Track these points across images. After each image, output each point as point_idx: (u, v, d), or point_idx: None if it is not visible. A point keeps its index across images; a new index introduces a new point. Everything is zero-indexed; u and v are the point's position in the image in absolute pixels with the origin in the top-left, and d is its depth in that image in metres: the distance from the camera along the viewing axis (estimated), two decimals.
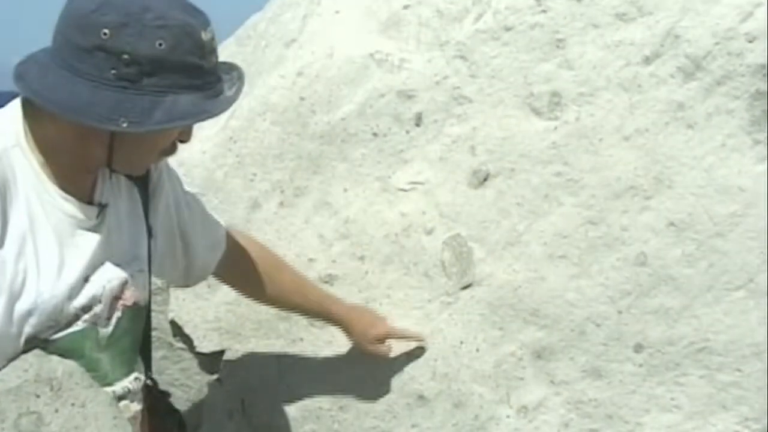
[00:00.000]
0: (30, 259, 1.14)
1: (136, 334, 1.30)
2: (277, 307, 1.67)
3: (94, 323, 1.22)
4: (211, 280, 1.68)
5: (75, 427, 1.14)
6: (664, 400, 1.67)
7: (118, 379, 1.26)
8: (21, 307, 1.14)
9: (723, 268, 1.64)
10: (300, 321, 1.78)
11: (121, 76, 1.09)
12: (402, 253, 1.76)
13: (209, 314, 1.82)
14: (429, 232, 1.75)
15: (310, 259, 1.79)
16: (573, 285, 1.69)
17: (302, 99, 1.77)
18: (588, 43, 1.67)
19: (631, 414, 1.68)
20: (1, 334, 1.14)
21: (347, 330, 1.67)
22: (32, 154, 1.16)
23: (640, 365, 1.68)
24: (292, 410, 1.80)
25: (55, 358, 1.17)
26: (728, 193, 1.63)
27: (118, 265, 1.24)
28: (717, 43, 1.62)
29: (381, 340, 1.67)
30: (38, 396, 1.13)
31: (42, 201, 1.16)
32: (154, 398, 1.39)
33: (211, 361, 1.85)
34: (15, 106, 1.18)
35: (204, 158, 1.81)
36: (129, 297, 1.27)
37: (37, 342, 1.17)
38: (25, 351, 1.16)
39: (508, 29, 1.69)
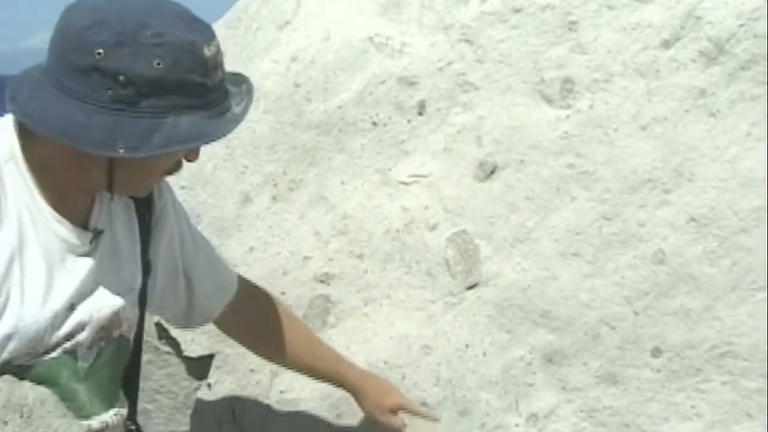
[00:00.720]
0: (15, 280, 1.11)
1: (116, 368, 1.27)
2: (285, 366, 1.62)
3: (73, 351, 1.19)
4: None
5: None
6: (684, 408, 1.65)
7: (97, 413, 1.22)
8: (0, 330, 1.10)
9: (747, 267, 1.61)
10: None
11: (117, 98, 1.06)
12: (403, 251, 1.75)
13: None
14: (432, 228, 1.74)
15: (306, 257, 1.77)
16: (586, 285, 1.67)
17: (297, 86, 1.76)
18: (602, 25, 1.66)
19: (649, 423, 1.66)
20: None
21: (360, 396, 1.61)
22: (27, 171, 1.13)
23: (659, 370, 1.66)
24: (285, 419, 1.78)
25: (26, 384, 1.14)
26: (753, 186, 1.60)
27: (109, 295, 1.22)
28: (742, 25, 1.60)
29: (394, 411, 1.61)
30: (6, 423, 1.11)
31: (34, 220, 1.13)
32: None
33: (199, 366, 1.83)
34: (10, 119, 1.16)
35: None
36: (116, 329, 1.24)
37: (10, 368, 1.13)
38: None
39: (516, 11, 1.69)
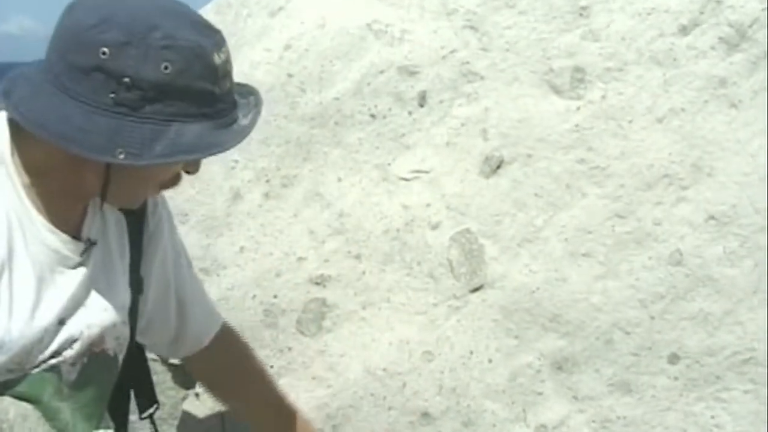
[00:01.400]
0: (3, 293, 1.09)
1: (103, 386, 1.25)
2: (244, 420, 1.61)
3: (57, 368, 1.17)
4: None
5: None
6: (704, 419, 1.65)
7: None
8: None
9: None
10: (288, 328, 1.75)
11: (120, 102, 1.05)
12: (404, 251, 1.73)
13: None
14: (434, 227, 1.72)
15: (300, 258, 1.75)
16: (598, 287, 1.67)
17: (290, 76, 1.75)
18: (616, 10, 1.66)
19: None
20: None
21: None
22: (17, 176, 1.12)
23: (676, 378, 1.66)
24: None
25: (7, 398, 1.13)
26: None
27: (100, 311, 1.21)
28: (765, 9, 1.61)
29: None
30: None
31: (24, 229, 1.12)
32: None
33: (186, 374, 1.77)
34: (2, 119, 1.15)
35: None
36: (100, 345, 1.22)
37: None
38: None
39: None
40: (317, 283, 1.74)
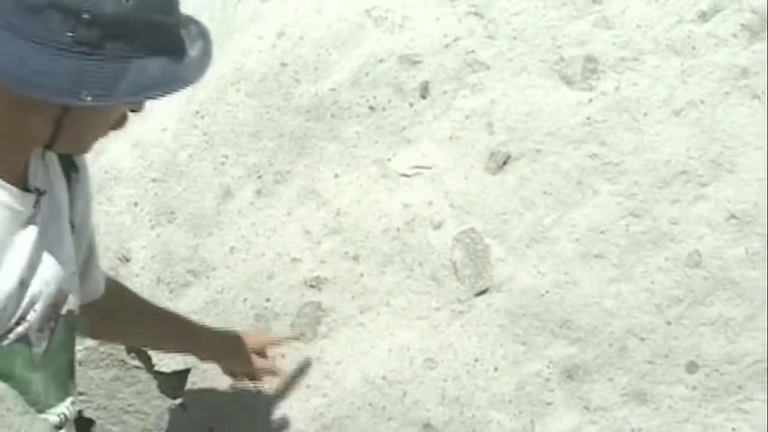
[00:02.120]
0: None
1: (71, 350, 1.27)
2: (128, 341, 1.69)
3: (25, 337, 1.17)
4: (174, 285, 1.74)
5: None
6: (724, 431, 1.63)
7: (52, 405, 1.21)
8: None
9: None
10: (282, 333, 1.74)
11: (80, 40, 1.02)
12: (404, 252, 1.72)
13: None
14: (437, 227, 1.71)
15: (294, 259, 1.75)
16: (611, 290, 1.66)
17: (284, 65, 1.74)
18: None
19: None
20: None
21: (218, 359, 1.65)
22: None
23: (694, 388, 1.64)
24: None
25: None
26: None
27: (56, 265, 1.19)
28: None
29: (259, 352, 1.65)
30: None
31: None
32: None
33: (173, 382, 1.82)
34: None
35: (164, 137, 1.78)
36: (65, 304, 1.22)
37: None
38: None
39: None
40: (312, 286, 1.75)
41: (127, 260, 1.78)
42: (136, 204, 1.79)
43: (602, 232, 1.65)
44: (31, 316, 1.17)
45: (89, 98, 1.03)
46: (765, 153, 1.61)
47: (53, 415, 1.21)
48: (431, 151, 1.72)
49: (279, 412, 1.76)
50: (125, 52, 1.05)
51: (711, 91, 1.62)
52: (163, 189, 1.78)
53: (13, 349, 1.15)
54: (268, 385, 1.70)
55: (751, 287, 1.60)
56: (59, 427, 1.22)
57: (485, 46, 1.70)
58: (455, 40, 1.71)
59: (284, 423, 1.75)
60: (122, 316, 1.52)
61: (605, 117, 1.65)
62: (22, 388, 1.15)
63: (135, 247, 1.78)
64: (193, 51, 1.13)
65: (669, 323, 1.63)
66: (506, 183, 1.69)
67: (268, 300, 1.73)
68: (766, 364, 1.61)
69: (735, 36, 1.61)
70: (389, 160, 1.73)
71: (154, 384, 1.82)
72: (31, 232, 1.16)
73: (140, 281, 1.73)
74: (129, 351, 1.80)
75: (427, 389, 1.70)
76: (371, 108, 1.73)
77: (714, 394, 1.63)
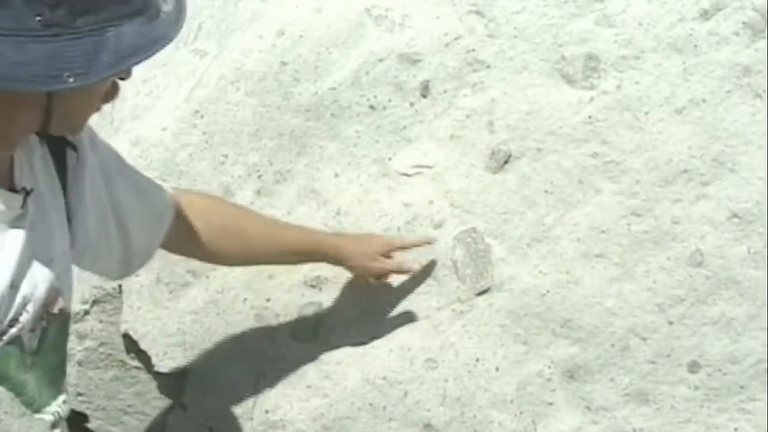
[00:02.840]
0: None
1: (63, 349, 1.26)
2: (253, 262, 1.67)
3: (17, 337, 1.15)
4: (174, 285, 1.73)
5: None
6: (727, 431, 1.65)
7: (46, 404, 1.21)
8: None
9: None
10: (281, 335, 1.75)
11: (49, 23, 0.99)
12: (405, 252, 1.70)
13: (171, 326, 1.78)
14: (438, 226, 1.71)
15: None
16: (613, 290, 1.66)
17: (283, 64, 1.73)
18: None
19: None
20: None
21: (341, 255, 1.66)
22: None
23: (697, 388, 1.65)
24: None
25: None
26: None
27: (46, 265, 1.18)
28: None
29: (385, 254, 1.68)
30: None
31: None
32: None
33: (172, 383, 1.81)
34: None
35: (164, 136, 1.76)
36: (56, 303, 1.21)
37: None
38: None
39: None
40: (313, 286, 1.74)
41: None
42: None
43: (604, 232, 1.66)
44: (24, 318, 1.15)
45: (71, 79, 1.02)
46: (767, 152, 1.61)
47: (48, 414, 1.21)
48: (432, 150, 1.72)
49: (280, 413, 1.75)
50: (97, 24, 1.03)
51: (713, 89, 1.61)
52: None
53: (6, 351, 1.14)
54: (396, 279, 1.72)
55: (754, 286, 1.61)
56: (54, 425, 1.21)
57: (486, 45, 1.69)
58: (456, 38, 1.69)
59: (285, 424, 1.74)
60: (228, 237, 1.53)
61: (606, 116, 1.65)
62: (17, 389, 1.15)
63: None
64: (167, 5, 1.11)
65: (671, 323, 1.64)
66: (507, 182, 1.69)
67: (268, 300, 1.73)
68: None
69: (737, 34, 1.60)
70: (389, 159, 1.73)
71: (153, 384, 1.82)
72: (19, 233, 1.15)
73: (140, 281, 1.72)
74: (128, 351, 1.80)
75: (428, 389, 1.71)
76: (371, 107, 1.72)
77: (716, 394, 1.64)
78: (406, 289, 1.73)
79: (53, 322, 1.21)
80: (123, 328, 1.78)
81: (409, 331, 1.72)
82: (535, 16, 1.67)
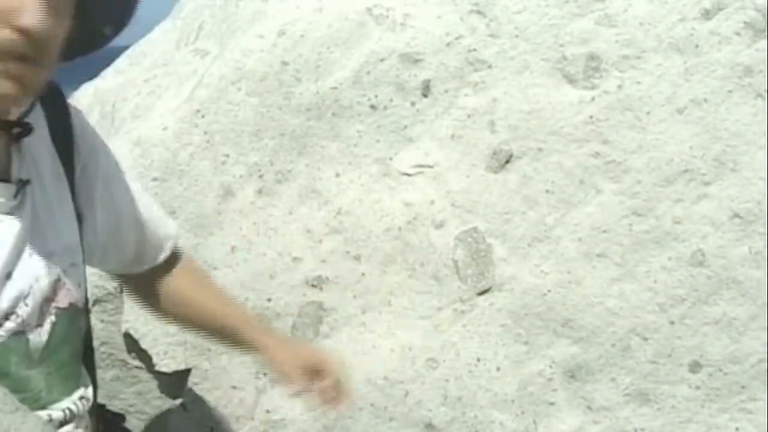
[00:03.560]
0: None
1: (76, 343, 1.24)
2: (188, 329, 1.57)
3: (21, 332, 1.14)
4: None
5: None
6: (728, 431, 1.65)
7: (57, 400, 1.18)
8: None
9: None
10: (283, 332, 1.73)
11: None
12: (406, 252, 1.72)
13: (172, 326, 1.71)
14: (439, 226, 1.71)
15: (295, 258, 1.74)
16: (614, 290, 1.66)
17: (285, 64, 1.73)
18: None
19: None
20: None
21: (272, 358, 1.49)
22: None
23: (698, 388, 1.65)
24: None
25: None
26: None
27: (47, 258, 1.17)
28: None
29: (309, 368, 1.50)
30: None
31: None
32: (107, 423, 1.34)
33: (173, 382, 1.81)
34: None
35: (165, 136, 1.76)
36: (63, 297, 1.20)
37: None
38: None
39: None
40: (314, 286, 1.74)
41: None
42: None
43: (605, 232, 1.66)
44: (23, 311, 1.14)
45: None
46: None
47: (57, 411, 1.19)
48: (433, 150, 1.72)
49: (281, 413, 1.75)
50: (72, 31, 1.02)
51: (714, 89, 1.63)
52: (163, 188, 1.75)
53: (7, 347, 1.12)
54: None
55: (755, 286, 1.62)
56: (65, 421, 1.20)
57: (487, 45, 1.69)
58: (457, 38, 1.70)
59: (286, 424, 1.74)
60: (178, 299, 1.47)
61: (608, 115, 1.66)
62: (18, 385, 1.13)
63: None
64: None
65: (672, 323, 1.65)
66: (508, 182, 1.69)
67: (269, 300, 1.72)
68: None
69: (738, 34, 1.62)
70: (391, 159, 1.73)
71: (154, 384, 1.81)
72: (15, 224, 1.14)
73: None
74: (130, 351, 1.79)
75: (429, 389, 1.71)
76: (372, 107, 1.72)
77: (717, 393, 1.64)
78: (407, 289, 1.72)
79: (63, 316, 1.19)
80: (124, 327, 1.77)
81: (410, 330, 1.72)
82: (537, 15, 1.68)
